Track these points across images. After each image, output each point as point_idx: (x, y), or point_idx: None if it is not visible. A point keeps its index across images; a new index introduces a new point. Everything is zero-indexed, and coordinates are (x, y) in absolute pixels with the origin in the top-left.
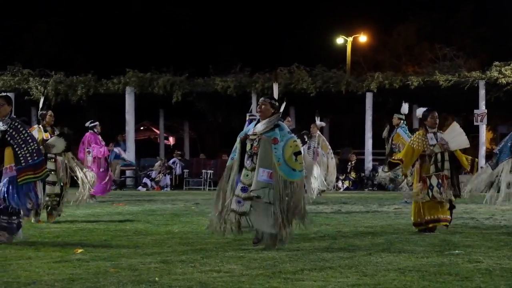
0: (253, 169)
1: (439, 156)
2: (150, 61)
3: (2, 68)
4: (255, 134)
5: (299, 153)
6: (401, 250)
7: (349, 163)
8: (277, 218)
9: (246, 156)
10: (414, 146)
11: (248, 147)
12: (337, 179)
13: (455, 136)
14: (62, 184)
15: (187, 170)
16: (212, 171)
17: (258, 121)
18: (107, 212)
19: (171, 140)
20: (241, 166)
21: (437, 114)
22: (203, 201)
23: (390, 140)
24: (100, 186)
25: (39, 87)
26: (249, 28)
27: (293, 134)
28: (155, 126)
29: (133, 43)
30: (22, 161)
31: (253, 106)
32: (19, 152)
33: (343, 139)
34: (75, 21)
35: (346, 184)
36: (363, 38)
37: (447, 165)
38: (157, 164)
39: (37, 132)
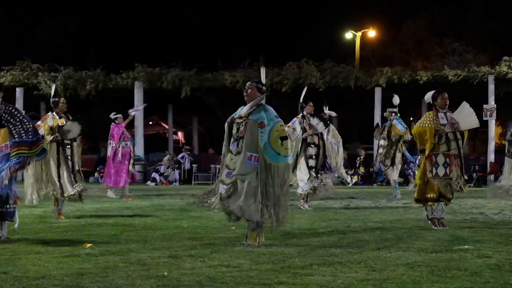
0: (238, 153)
1: (450, 135)
2: (159, 56)
3: (11, 62)
4: (241, 118)
5: (285, 138)
6: (410, 245)
7: (358, 158)
8: (263, 203)
9: (232, 140)
10: (427, 125)
11: (234, 130)
12: (346, 173)
13: (465, 116)
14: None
15: (195, 165)
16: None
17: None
18: (116, 206)
19: (180, 135)
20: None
21: (447, 95)
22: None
23: (387, 134)
24: (117, 176)
25: (48, 82)
26: (258, 23)
27: (279, 119)
28: (164, 121)
29: (142, 38)
30: (16, 136)
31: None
32: (13, 130)
33: (352, 134)
34: (84, 15)
35: (355, 179)
36: (372, 33)
37: (458, 144)
38: (165, 158)
39: (51, 119)
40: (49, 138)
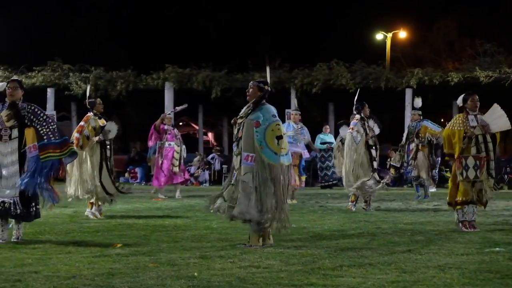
0: (239, 154)
1: (480, 138)
2: (189, 56)
3: (42, 63)
4: (241, 118)
5: (281, 137)
6: (440, 247)
7: (388, 160)
8: (262, 204)
9: (234, 140)
10: (456, 128)
11: (235, 131)
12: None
13: (496, 118)
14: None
15: (225, 166)
16: None
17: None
18: (146, 207)
19: (210, 136)
20: None
21: (477, 97)
22: None
23: (414, 137)
24: (160, 177)
25: (79, 83)
26: (288, 23)
27: (277, 118)
28: (194, 121)
29: (172, 38)
30: (45, 138)
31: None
32: (41, 130)
33: (382, 135)
34: (115, 16)
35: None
36: (402, 34)
37: (488, 146)
38: (196, 159)
39: (94, 120)
40: (95, 139)
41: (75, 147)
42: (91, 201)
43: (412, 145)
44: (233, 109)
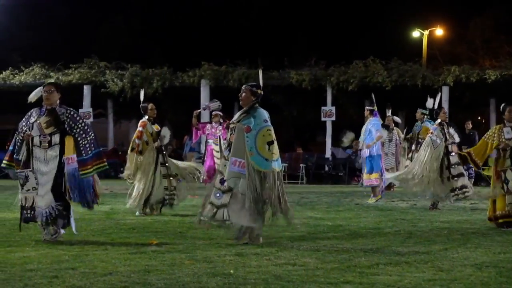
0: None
1: None
2: (225, 54)
3: (79, 60)
4: (233, 123)
5: (272, 142)
6: (477, 246)
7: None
8: (250, 209)
9: (226, 146)
10: (489, 141)
11: (228, 136)
12: None
13: None
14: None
15: None
16: (286, 164)
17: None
18: (182, 204)
19: None
20: None
21: None
22: None
23: (415, 137)
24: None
25: (115, 80)
26: (325, 21)
27: (268, 123)
28: (230, 119)
29: (208, 36)
30: (83, 152)
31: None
32: (80, 141)
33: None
34: (151, 13)
35: None
36: (439, 31)
37: None
38: None
39: (150, 126)
40: (155, 144)
41: (104, 165)
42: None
43: (413, 146)
44: (269, 106)
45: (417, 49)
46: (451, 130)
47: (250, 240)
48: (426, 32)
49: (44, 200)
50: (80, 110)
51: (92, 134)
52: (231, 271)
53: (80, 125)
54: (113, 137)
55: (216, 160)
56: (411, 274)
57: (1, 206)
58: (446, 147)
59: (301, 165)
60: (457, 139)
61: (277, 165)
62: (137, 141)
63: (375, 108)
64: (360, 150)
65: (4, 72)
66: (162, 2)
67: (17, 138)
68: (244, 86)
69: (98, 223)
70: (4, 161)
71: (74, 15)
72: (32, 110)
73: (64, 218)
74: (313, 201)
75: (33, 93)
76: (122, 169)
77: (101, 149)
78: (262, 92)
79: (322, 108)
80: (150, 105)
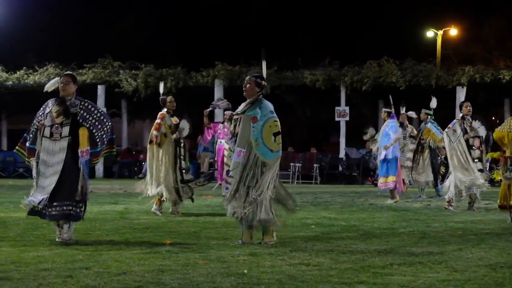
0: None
1: None
2: (239, 53)
3: (93, 60)
4: (237, 114)
5: (278, 133)
6: (492, 246)
7: (439, 158)
8: (250, 198)
9: (231, 136)
10: (505, 130)
11: (231, 127)
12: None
13: None
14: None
15: None
16: (300, 164)
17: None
18: (195, 204)
19: None
20: None
21: None
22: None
23: (418, 137)
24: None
25: (129, 80)
26: (339, 20)
27: (274, 114)
28: None
29: (222, 35)
30: (98, 143)
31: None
32: (96, 133)
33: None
34: (165, 13)
35: None
36: (453, 31)
37: None
38: None
39: (169, 118)
40: (173, 136)
41: (112, 149)
42: (162, 199)
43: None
44: (283, 106)
45: (431, 49)
46: (476, 124)
47: (264, 237)
48: (440, 32)
49: (44, 191)
50: None
51: (109, 123)
52: (245, 271)
53: (95, 116)
54: (127, 137)
55: (226, 159)
56: (425, 274)
57: (16, 205)
58: (467, 140)
59: (315, 165)
60: (482, 133)
61: (279, 154)
62: (154, 132)
63: (393, 110)
64: (372, 151)
65: (18, 72)
66: (177, 2)
67: (33, 127)
68: (248, 77)
69: (112, 223)
70: (16, 147)
71: (88, 15)
72: (48, 101)
73: (77, 218)
74: (327, 201)
75: (50, 83)
76: (136, 168)
77: (114, 136)
78: (266, 84)
79: (336, 108)
80: (169, 98)
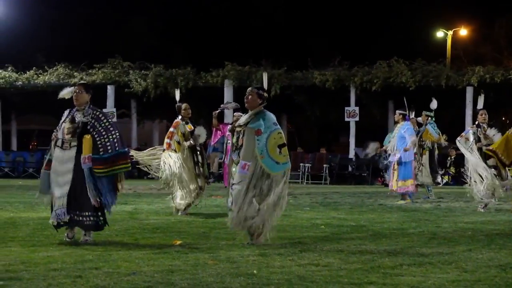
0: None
1: None
2: (249, 54)
3: (102, 60)
4: (240, 126)
5: (284, 145)
6: (502, 247)
7: (449, 158)
8: (253, 211)
9: (233, 149)
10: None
11: (234, 139)
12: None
13: None
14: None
15: None
16: (309, 165)
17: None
18: (205, 204)
19: None
20: None
21: None
22: (301, 194)
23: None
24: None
25: (138, 80)
26: (348, 20)
27: (278, 126)
28: None
29: (231, 36)
30: (101, 150)
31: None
32: (99, 140)
33: (442, 134)
34: (175, 13)
35: (446, 179)
36: (463, 32)
37: None
38: None
39: (182, 126)
40: (186, 144)
41: (126, 165)
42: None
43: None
44: (293, 106)
45: (441, 50)
46: (491, 131)
47: (253, 238)
48: (450, 32)
49: (59, 201)
50: (104, 110)
51: (116, 133)
52: (254, 271)
53: (103, 124)
54: (136, 137)
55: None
56: (435, 275)
57: (25, 206)
58: (480, 149)
59: (324, 165)
60: (496, 140)
61: (288, 166)
62: (167, 140)
63: (407, 112)
64: (388, 153)
65: (28, 72)
66: (186, 2)
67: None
68: (250, 88)
69: (122, 223)
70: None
71: (98, 15)
72: (66, 111)
73: (96, 228)
74: (337, 202)
75: (66, 90)
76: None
77: (126, 149)
78: (267, 95)
79: (346, 108)
80: (184, 105)
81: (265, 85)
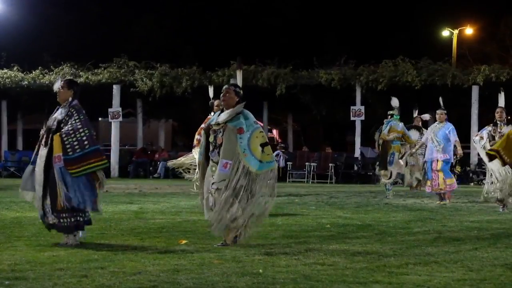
0: (218, 162)
1: None
2: (255, 53)
3: (108, 60)
4: (218, 124)
5: (266, 144)
6: (508, 246)
7: (454, 157)
8: (237, 211)
9: (210, 148)
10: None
11: (211, 138)
12: None
13: None
14: None
15: (290, 163)
16: (315, 164)
17: (222, 111)
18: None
19: (275, 133)
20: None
21: None
22: (306, 193)
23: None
24: None
25: (144, 79)
26: (354, 20)
27: (258, 125)
28: (259, 118)
29: (237, 35)
30: (69, 151)
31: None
32: (66, 140)
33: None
34: (180, 13)
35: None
36: (469, 31)
37: None
38: None
39: None
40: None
41: (101, 163)
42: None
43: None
44: (298, 106)
45: (447, 49)
46: (507, 129)
47: (226, 239)
48: (456, 31)
49: (38, 202)
50: (110, 110)
51: (86, 131)
52: (260, 271)
53: (73, 122)
54: (142, 136)
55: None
56: (440, 274)
57: (31, 205)
58: None
59: (330, 164)
60: None
61: (273, 165)
62: (197, 136)
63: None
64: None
65: (34, 72)
66: (192, 2)
67: None
68: (226, 86)
69: (127, 222)
70: None
71: (103, 14)
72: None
73: (75, 228)
74: (342, 201)
75: (56, 85)
76: (151, 168)
77: (97, 146)
78: (242, 93)
79: (351, 107)
80: (217, 102)
81: (239, 83)
